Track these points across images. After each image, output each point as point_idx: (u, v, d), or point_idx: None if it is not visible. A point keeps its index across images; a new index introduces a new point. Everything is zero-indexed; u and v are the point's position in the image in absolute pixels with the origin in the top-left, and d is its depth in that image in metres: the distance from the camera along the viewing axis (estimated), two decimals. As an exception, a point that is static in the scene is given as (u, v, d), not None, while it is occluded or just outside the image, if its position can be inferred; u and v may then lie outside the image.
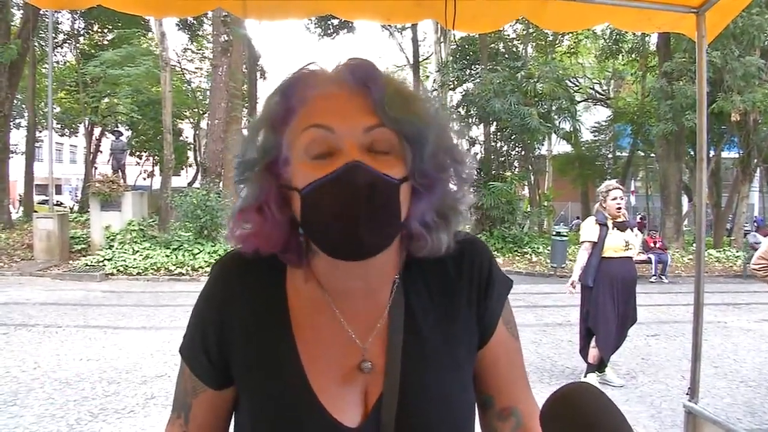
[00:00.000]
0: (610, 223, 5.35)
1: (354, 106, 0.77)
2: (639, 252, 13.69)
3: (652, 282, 12.93)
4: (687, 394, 2.37)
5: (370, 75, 0.79)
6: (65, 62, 26.36)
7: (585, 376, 5.48)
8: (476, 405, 0.94)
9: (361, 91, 0.78)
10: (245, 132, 0.85)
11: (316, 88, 0.79)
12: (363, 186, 0.72)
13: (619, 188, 5.47)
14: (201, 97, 25.62)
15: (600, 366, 5.45)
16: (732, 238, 17.82)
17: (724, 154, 19.65)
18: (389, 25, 24.82)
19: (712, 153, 17.00)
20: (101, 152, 27.59)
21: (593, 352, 5.40)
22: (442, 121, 0.84)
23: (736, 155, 18.25)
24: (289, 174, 0.79)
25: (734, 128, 16.11)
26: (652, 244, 13.70)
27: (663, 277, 13.14)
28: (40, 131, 24.11)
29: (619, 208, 5.37)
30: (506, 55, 20.40)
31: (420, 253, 0.85)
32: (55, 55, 23.08)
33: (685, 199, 19.67)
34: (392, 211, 0.76)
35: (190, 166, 29.94)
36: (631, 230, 5.46)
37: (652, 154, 21.57)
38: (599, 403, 0.68)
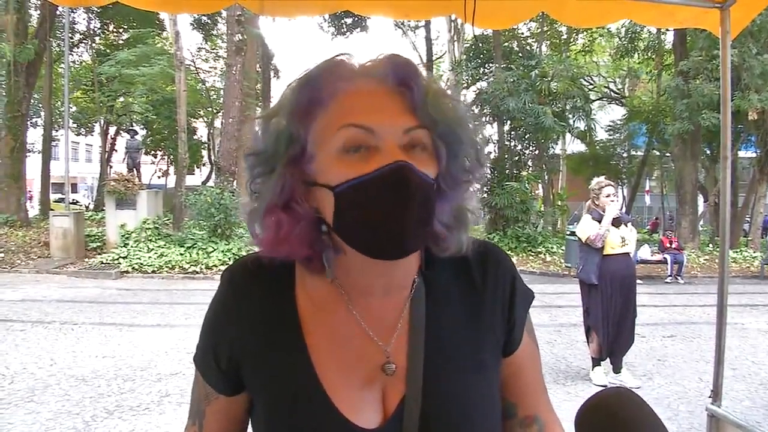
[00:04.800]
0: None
1: (394, 106, 0.75)
2: (654, 252, 13.71)
3: (667, 282, 12.81)
4: (710, 397, 2.33)
5: (413, 74, 0.76)
6: (81, 62, 26.66)
7: (592, 370, 5.52)
8: None
9: (400, 90, 0.75)
10: (261, 121, 0.81)
11: (349, 81, 0.76)
12: (411, 186, 0.71)
13: (610, 185, 5.50)
14: (215, 96, 25.74)
15: (597, 359, 5.49)
16: (749, 238, 17.59)
17: (741, 153, 19.40)
18: (402, 24, 24.84)
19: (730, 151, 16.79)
20: (116, 151, 27.87)
21: (593, 346, 5.45)
22: (472, 123, 0.82)
23: (753, 154, 18.02)
24: (314, 170, 0.77)
25: (751, 127, 15.91)
26: (667, 245, 13.56)
27: (679, 277, 13.01)
28: (57, 130, 24.36)
29: (613, 204, 5.39)
30: (520, 54, 20.27)
31: (444, 253, 0.83)
32: (72, 54, 23.34)
33: (700, 199, 19.45)
34: (431, 211, 0.75)
35: (204, 164, 30.15)
36: (626, 225, 5.45)
37: (668, 154, 21.35)
38: (639, 412, 0.65)
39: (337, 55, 0.80)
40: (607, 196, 5.38)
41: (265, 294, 0.85)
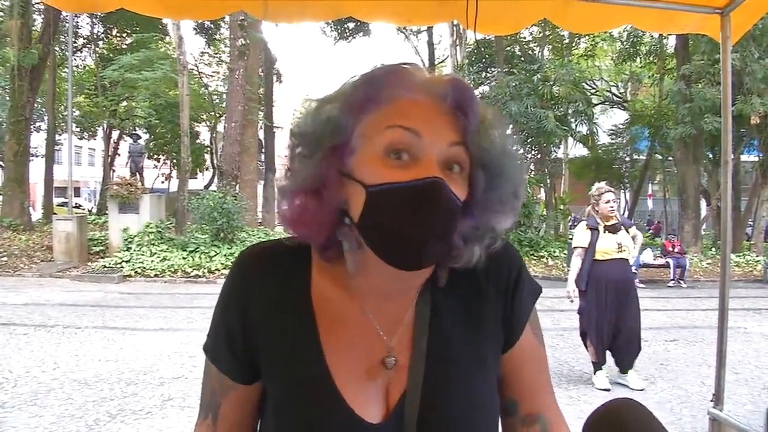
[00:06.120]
0: (601, 227, 5.39)
1: (444, 123, 0.78)
2: (657, 256, 13.68)
3: (670, 286, 12.80)
4: (711, 401, 2.33)
5: (470, 99, 0.80)
6: (84, 66, 26.75)
7: (594, 374, 5.51)
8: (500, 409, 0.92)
9: (455, 112, 0.78)
10: (315, 105, 0.82)
11: (409, 91, 0.79)
12: (440, 204, 0.73)
13: (611, 191, 5.53)
14: (218, 101, 25.74)
15: (598, 363, 5.48)
16: (752, 242, 17.56)
17: (743, 157, 19.39)
18: (405, 29, 24.86)
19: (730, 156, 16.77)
20: (119, 155, 27.94)
21: (591, 350, 5.47)
22: (516, 157, 0.86)
23: (756, 158, 18.02)
24: (351, 163, 0.78)
25: (753, 131, 15.91)
26: (670, 249, 13.57)
27: (681, 281, 13.01)
28: (60, 134, 24.43)
29: (612, 211, 5.41)
30: (522, 58, 20.35)
31: (453, 265, 0.84)
32: (75, 59, 23.41)
33: (703, 203, 19.43)
34: (451, 230, 0.77)
35: (207, 168, 30.12)
36: (626, 230, 5.47)
37: (670, 158, 21.35)
38: (646, 423, 0.65)
39: (403, 63, 0.82)
40: (606, 203, 5.40)
41: (278, 280, 0.85)
